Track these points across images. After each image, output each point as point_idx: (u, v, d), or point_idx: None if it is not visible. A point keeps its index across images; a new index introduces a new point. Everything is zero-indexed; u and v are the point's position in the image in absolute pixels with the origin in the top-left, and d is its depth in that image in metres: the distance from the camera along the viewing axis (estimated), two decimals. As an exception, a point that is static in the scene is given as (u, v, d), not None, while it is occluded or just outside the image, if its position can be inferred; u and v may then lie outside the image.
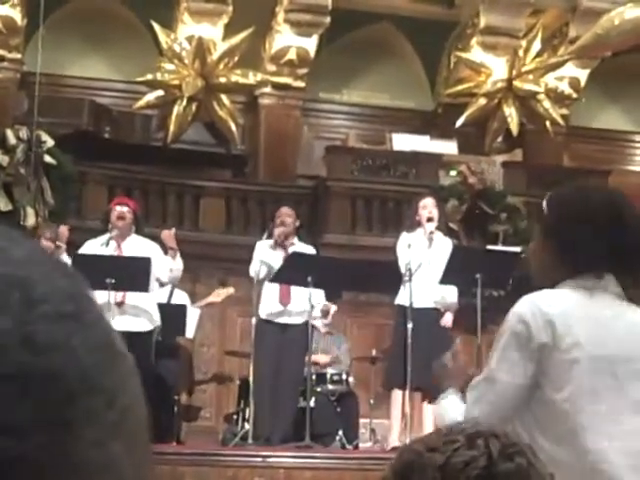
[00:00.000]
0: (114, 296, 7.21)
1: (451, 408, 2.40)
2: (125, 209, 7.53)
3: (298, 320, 7.80)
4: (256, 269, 7.77)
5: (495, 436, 1.26)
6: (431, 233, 7.58)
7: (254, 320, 7.72)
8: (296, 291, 7.73)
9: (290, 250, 7.80)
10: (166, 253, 7.55)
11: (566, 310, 2.30)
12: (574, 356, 2.25)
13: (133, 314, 7.29)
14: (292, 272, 7.42)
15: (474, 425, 1.31)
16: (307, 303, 7.68)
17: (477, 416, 2.29)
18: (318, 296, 7.81)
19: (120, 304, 7.20)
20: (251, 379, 7.67)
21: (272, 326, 7.68)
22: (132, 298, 7.27)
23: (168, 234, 7.56)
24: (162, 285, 8.88)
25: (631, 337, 2.30)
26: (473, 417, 2.29)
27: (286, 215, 7.93)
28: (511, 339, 2.29)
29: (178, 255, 7.59)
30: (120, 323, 7.10)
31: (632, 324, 2.31)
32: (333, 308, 8.10)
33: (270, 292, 7.77)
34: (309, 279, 7.32)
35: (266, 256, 7.74)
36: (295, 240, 7.96)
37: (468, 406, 2.33)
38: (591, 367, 2.24)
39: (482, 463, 1.22)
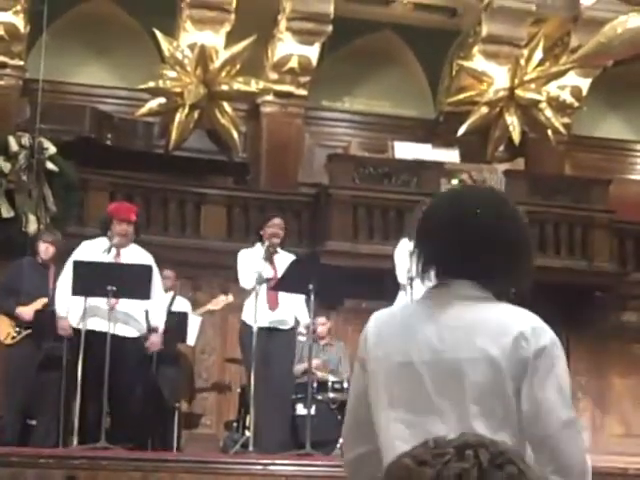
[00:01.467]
0: (108, 302, 7.19)
1: None
2: (127, 227, 7.48)
3: (286, 325, 7.81)
4: (247, 279, 7.77)
5: (483, 446, 1.26)
6: None
7: (255, 328, 7.70)
8: (284, 296, 7.73)
9: (275, 259, 7.82)
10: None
11: (380, 324, 2.29)
12: (376, 365, 2.24)
13: (123, 319, 7.27)
14: (294, 280, 7.41)
15: (461, 436, 1.30)
16: (293, 313, 7.75)
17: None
18: (303, 312, 7.82)
19: (112, 307, 7.17)
20: (252, 386, 7.65)
21: (260, 331, 7.65)
22: (122, 303, 7.25)
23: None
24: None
25: (433, 340, 2.18)
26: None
27: (279, 227, 7.92)
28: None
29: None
30: (107, 326, 7.09)
31: (452, 328, 2.18)
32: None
33: (259, 299, 7.75)
34: (310, 287, 7.32)
35: (258, 266, 7.72)
36: (279, 249, 7.97)
37: None
38: (392, 375, 2.20)
39: (474, 474, 1.21)
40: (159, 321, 7.67)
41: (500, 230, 2.22)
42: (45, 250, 8.35)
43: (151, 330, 7.64)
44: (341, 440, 8.24)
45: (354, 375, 2.38)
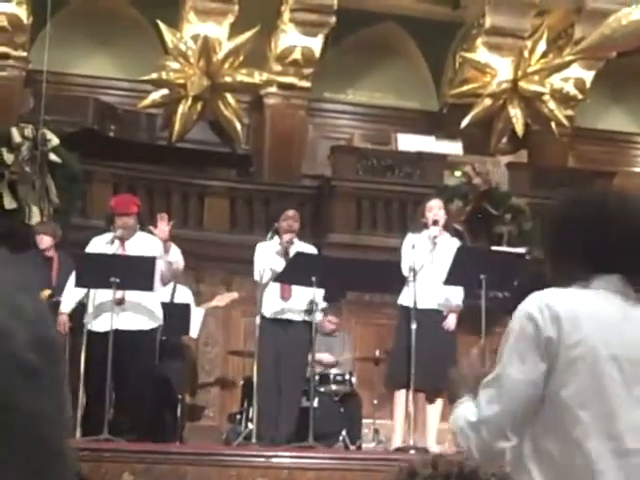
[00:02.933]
0: (114, 294, 7.19)
1: (464, 413, 2.39)
2: (127, 219, 7.45)
3: (300, 316, 7.80)
4: (261, 273, 7.74)
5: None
6: (434, 237, 7.54)
7: (258, 319, 7.71)
8: (297, 287, 7.72)
9: (291, 251, 7.79)
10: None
11: (573, 307, 2.30)
12: (579, 352, 2.24)
13: (134, 312, 7.26)
14: (296, 272, 7.41)
15: None
16: (308, 301, 7.71)
17: (490, 416, 2.28)
18: (319, 296, 7.78)
19: (120, 302, 7.16)
20: (255, 379, 7.66)
21: (274, 323, 7.67)
22: (133, 296, 7.24)
23: (162, 228, 7.51)
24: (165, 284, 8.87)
25: (637, 339, 2.29)
26: (487, 417, 2.28)
27: (293, 220, 7.89)
28: (520, 336, 2.29)
29: (173, 247, 7.55)
30: (121, 322, 7.09)
31: (635, 322, 2.30)
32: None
33: (272, 290, 7.75)
34: (313, 279, 7.32)
35: (273, 262, 7.70)
36: (295, 240, 7.95)
37: (481, 406, 2.32)
38: (596, 365, 2.24)
39: None
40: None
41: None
42: (40, 241, 8.36)
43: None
44: (343, 432, 8.21)
45: (531, 353, 2.28)
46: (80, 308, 7.47)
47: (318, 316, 7.95)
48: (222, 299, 9.43)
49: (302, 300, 7.75)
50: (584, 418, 2.22)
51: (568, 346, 2.25)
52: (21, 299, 0.59)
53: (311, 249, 7.94)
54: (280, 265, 7.67)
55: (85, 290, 7.27)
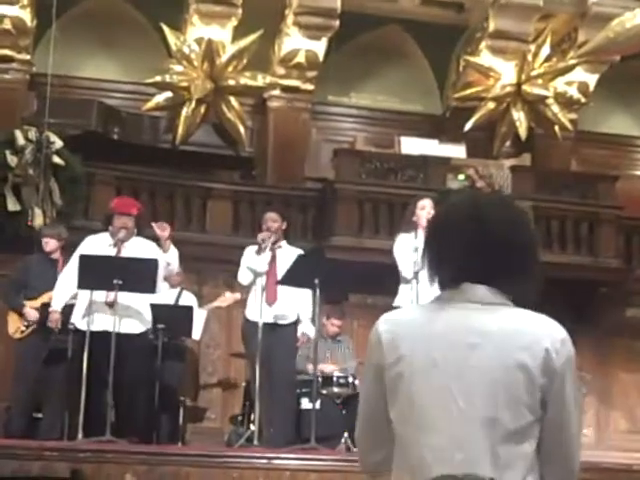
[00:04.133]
0: (106, 296, 7.18)
1: None
2: (127, 220, 7.47)
3: (286, 320, 7.81)
4: (243, 275, 7.82)
5: None
6: None
7: (259, 324, 7.70)
8: (283, 292, 7.74)
9: (278, 253, 7.83)
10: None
11: (395, 327, 2.24)
12: (398, 371, 2.18)
13: (124, 315, 7.25)
14: (299, 274, 7.41)
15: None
16: (294, 307, 7.74)
17: (358, 436, 2.33)
18: (306, 308, 7.79)
19: (111, 304, 7.16)
20: (257, 381, 7.66)
21: (261, 327, 7.65)
22: (124, 298, 7.24)
23: (160, 227, 7.54)
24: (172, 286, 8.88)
25: (459, 348, 2.15)
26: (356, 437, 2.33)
27: (271, 220, 7.94)
28: (366, 360, 2.31)
29: (172, 247, 7.57)
30: (110, 324, 7.07)
31: (480, 333, 2.15)
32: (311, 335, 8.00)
33: (256, 293, 7.76)
34: (316, 281, 7.32)
35: (252, 262, 7.76)
36: (283, 243, 7.97)
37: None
38: (417, 381, 2.16)
39: None
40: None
41: (516, 234, 2.22)
42: (46, 244, 8.37)
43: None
44: (345, 435, 8.18)
45: (367, 381, 2.31)
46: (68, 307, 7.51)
47: (306, 328, 7.93)
48: (225, 300, 9.44)
49: (289, 305, 7.77)
50: (406, 434, 2.16)
51: (388, 366, 2.20)
52: None
53: (298, 252, 7.90)
54: (261, 265, 7.71)
55: (76, 288, 7.25)
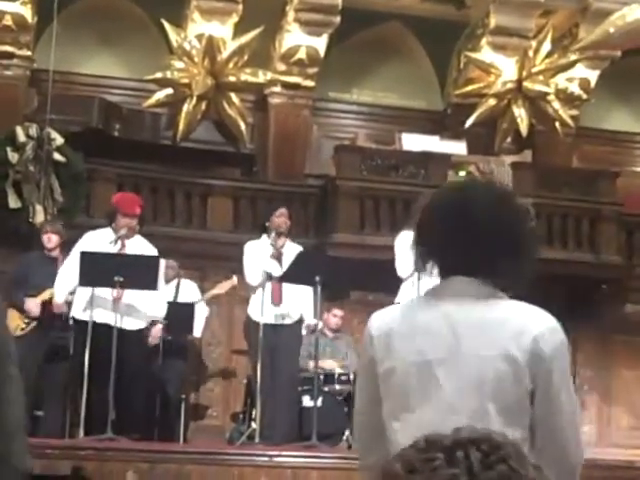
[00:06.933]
0: (111, 292, 7.19)
1: None
2: (131, 220, 7.48)
3: (290, 320, 7.81)
4: (254, 276, 7.77)
5: (476, 443, 1.20)
6: None
7: (261, 323, 7.69)
8: (288, 291, 7.73)
9: (284, 252, 7.81)
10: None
11: (385, 323, 2.25)
12: (389, 365, 2.19)
13: (126, 311, 7.26)
14: (300, 271, 7.41)
15: (454, 433, 1.24)
16: (298, 307, 7.73)
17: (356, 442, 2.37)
18: (308, 309, 7.78)
19: (117, 300, 7.17)
20: (259, 378, 7.66)
21: (265, 327, 7.65)
22: (127, 295, 7.24)
23: None
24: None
25: (447, 337, 2.16)
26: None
27: (284, 217, 7.92)
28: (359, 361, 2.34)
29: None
30: (112, 319, 7.08)
31: (468, 325, 2.16)
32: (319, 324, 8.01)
33: (262, 294, 7.73)
34: (317, 278, 7.31)
35: (266, 264, 7.72)
36: (285, 243, 7.96)
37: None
38: (406, 374, 2.17)
39: (463, 479, 1.16)
40: (159, 313, 7.74)
41: (503, 225, 2.21)
42: (48, 240, 8.37)
43: (152, 322, 7.74)
44: (347, 432, 8.18)
45: (362, 378, 2.33)
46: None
47: (310, 321, 7.93)
48: (222, 287, 9.38)
49: (293, 304, 7.77)
50: (395, 428, 2.18)
51: (379, 362, 2.21)
52: None
53: (299, 249, 7.89)
54: (274, 268, 7.68)
55: (76, 281, 7.26)
